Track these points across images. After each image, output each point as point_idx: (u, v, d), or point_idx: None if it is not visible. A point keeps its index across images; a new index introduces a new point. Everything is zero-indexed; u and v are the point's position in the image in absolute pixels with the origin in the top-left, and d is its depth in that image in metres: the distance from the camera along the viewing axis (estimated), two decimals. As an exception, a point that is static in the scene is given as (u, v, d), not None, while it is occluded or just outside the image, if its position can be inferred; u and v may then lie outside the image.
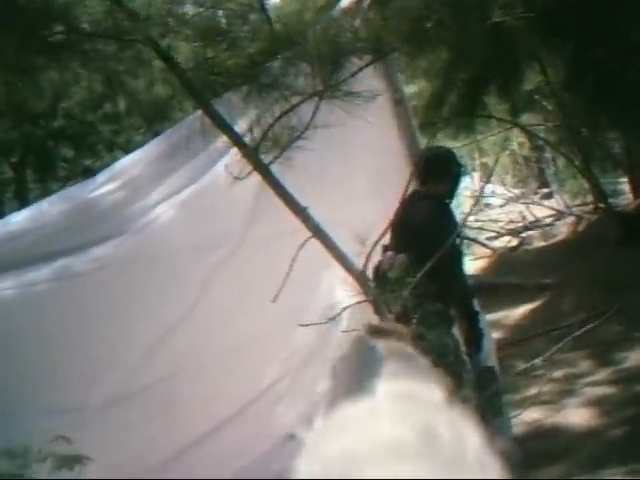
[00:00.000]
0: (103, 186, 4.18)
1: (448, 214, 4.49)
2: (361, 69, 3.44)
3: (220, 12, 4.75)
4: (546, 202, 14.54)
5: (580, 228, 11.89)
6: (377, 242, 3.54)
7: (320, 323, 3.69)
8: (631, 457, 4.81)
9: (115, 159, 5.03)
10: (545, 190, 15.47)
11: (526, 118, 9.55)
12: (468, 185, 12.40)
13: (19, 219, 4.20)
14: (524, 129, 10.75)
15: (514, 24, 3.76)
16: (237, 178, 3.43)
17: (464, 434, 0.80)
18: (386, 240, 4.28)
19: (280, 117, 3.33)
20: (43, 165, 10.78)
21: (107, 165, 5.02)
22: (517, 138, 14.48)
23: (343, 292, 3.85)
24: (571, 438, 5.45)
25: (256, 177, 3.50)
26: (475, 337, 4.45)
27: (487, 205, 16.46)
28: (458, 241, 4.64)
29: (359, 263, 3.48)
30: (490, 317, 6.50)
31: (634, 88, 5.50)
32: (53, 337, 4.05)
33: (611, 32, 5.21)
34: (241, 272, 4.36)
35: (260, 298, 3.68)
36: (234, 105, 3.59)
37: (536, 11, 3.97)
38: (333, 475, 0.76)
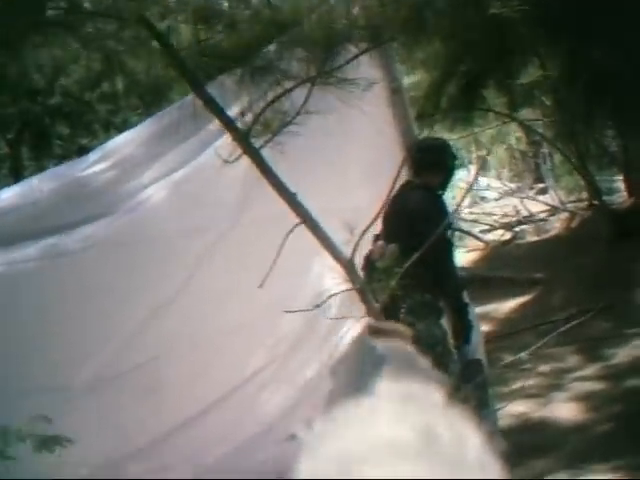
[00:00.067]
0: (95, 165, 4.15)
1: (440, 205, 4.48)
2: (356, 57, 3.42)
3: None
4: (541, 197, 14.56)
5: (573, 224, 11.92)
6: (365, 231, 3.52)
7: (307, 310, 3.68)
8: (615, 453, 4.83)
9: (111, 139, 5.00)
10: (540, 185, 15.50)
11: (524, 113, 9.54)
12: (463, 177, 12.39)
13: (9, 195, 4.17)
14: (521, 124, 10.75)
15: (511, 16, 3.74)
16: (226, 161, 3.41)
17: (464, 434, 0.80)
18: (377, 229, 4.27)
19: (273, 102, 3.31)
20: (39, 142, 10.72)
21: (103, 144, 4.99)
22: (515, 133, 14.48)
23: (331, 280, 3.84)
24: (557, 432, 5.47)
25: (249, 162, 3.48)
26: (463, 329, 4.45)
27: (483, 198, 16.49)
28: (449, 233, 4.63)
29: (347, 251, 3.47)
30: (480, 310, 6.51)
31: (629, 86, 5.49)
32: (41, 316, 4.03)
33: (608, 30, 5.19)
34: (231, 256, 4.35)
35: (249, 283, 3.67)
36: (227, 89, 3.57)
37: (533, 4, 3.95)
38: (333, 475, 0.76)
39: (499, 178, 17.27)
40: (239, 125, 3.44)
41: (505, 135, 14.45)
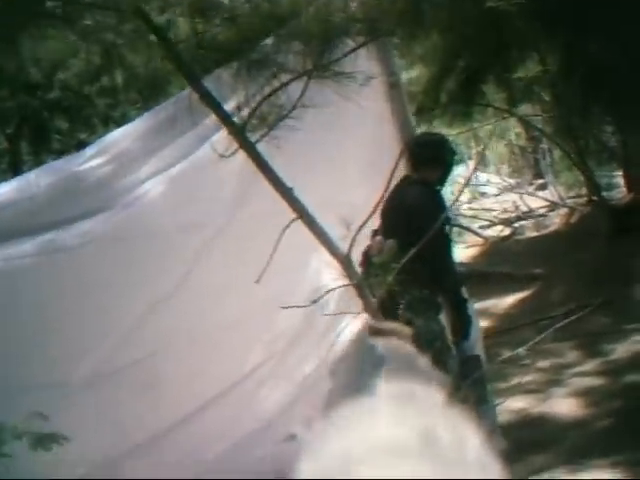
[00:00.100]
0: (91, 159, 4.13)
1: (439, 200, 4.47)
2: (353, 50, 3.41)
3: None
4: (540, 193, 14.57)
5: (573, 220, 11.92)
6: (362, 226, 3.51)
7: (304, 306, 3.67)
8: (614, 448, 4.83)
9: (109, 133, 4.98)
10: (540, 181, 15.50)
11: (524, 108, 9.53)
12: (462, 173, 12.38)
13: (5, 190, 4.15)
14: (521, 119, 10.74)
15: (508, 10, 3.73)
16: (222, 156, 3.40)
17: (464, 435, 0.80)
18: (376, 225, 4.26)
19: (269, 95, 3.29)
20: (38, 137, 10.69)
21: (102, 139, 4.96)
22: (514, 128, 14.48)
23: (329, 275, 3.83)
24: (556, 428, 5.47)
25: (245, 156, 3.46)
26: (462, 325, 4.44)
27: (482, 194, 16.49)
28: (447, 228, 4.62)
29: (344, 247, 3.46)
30: (479, 305, 6.51)
31: (626, 80, 5.48)
32: (39, 312, 4.01)
33: (604, 23, 5.18)
34: (229, 252, 4.33)
35: (248, 279, 3.65)
36: (224, 83, 3.55)
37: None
38: (333, 476, 0.76)
39: (498, 174, 17.28)
40: (236, 119, 3.42)
41: (505, 131, 14.46)
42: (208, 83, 3.46)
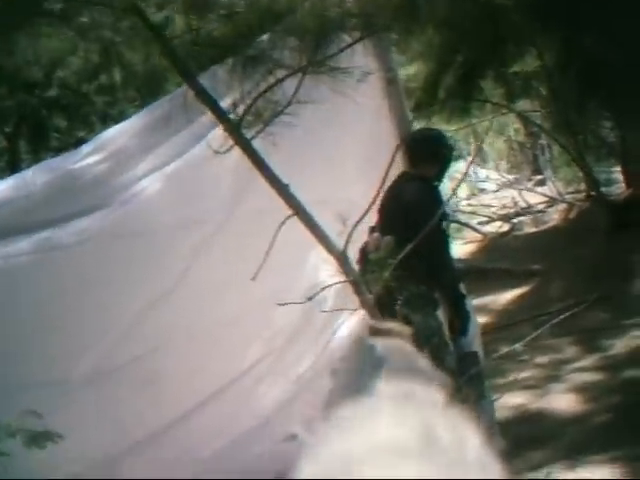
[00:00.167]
0: (88, 157, 4.13)
1: (436, 196, 4.47)
2: (349, 45, 3.40)
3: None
4: (539, 189, 14.56)
5: (571, 216, 11.92)
6: (358, 222, 3.50)
7: (301, 302, 3.67)
8: (613, 444, 4.83)
9: (107, 131, 4.98)
10: (538, 177, 15.50)
11: (522, 104, 9.52)
12: (460, 169, 12.37)
13: (2, 188, 4.14)
14: (519, 115, 10.73)
15: (504, 4, 3.73)
16: (217, 152, 3.39)
17: (464, 435, 0.80)
18: (373, 221, 4.26)
19: (265, 91, 3.29)
20: (36, 135, 10.68)
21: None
22: (513, 124, 14.47)
23: (326, 272, 3.82)
24: (555, 423, 5.47)
25: (241, 153, 3.46)
26: (460, 321, 4.44)
27: (481, 190, 16.49)
28: (445, 224, 4.62)
29: (341, 243, 3.45)
30: (477, 301, 6.51)
31: (622, 75, 5.47)
32: (37, 310, 4.01)
33: (599, 18, 5.18)
34: (228, 248, 4.33)
35: (246, 275, 3.65)
36: (220, 79, 3.54)
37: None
38: (334, 476, 0.76)
39: (497, 170, 17.26)
40: (231, 116, 3.41)
41: (503, 126, 14.44)
42: (204, 80, 3.46)
